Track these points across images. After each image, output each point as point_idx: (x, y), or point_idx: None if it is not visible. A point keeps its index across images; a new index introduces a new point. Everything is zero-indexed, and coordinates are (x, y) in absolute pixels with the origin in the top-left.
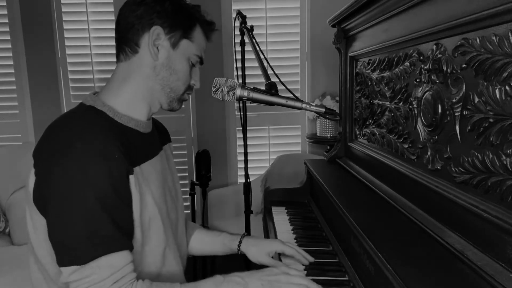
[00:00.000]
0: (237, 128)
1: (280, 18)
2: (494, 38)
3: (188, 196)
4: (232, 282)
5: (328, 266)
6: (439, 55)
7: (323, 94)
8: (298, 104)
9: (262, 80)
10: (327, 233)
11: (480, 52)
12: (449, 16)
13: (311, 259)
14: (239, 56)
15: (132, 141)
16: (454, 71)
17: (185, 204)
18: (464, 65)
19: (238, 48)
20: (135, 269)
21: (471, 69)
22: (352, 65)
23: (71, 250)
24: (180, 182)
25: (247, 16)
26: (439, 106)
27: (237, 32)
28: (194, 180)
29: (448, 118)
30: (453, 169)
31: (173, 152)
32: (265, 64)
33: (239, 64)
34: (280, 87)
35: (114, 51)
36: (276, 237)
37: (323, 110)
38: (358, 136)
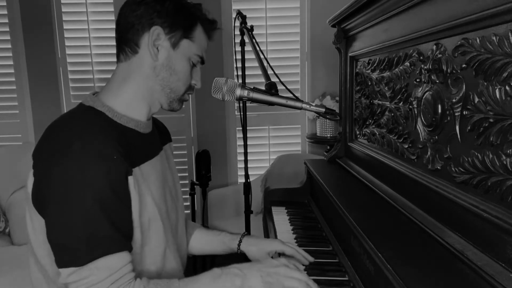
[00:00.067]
0: (237, 128)
1: (280, 18)
2: (494, 38)
3: (188, 196)
4: (230, 274)
5: (328, 266)
6: (439, 55)
7: (323, 94)
8: (298, 104)
9: (262, 80)
10: (327, 233)
11: (480, 52)
12: (449, 16)
13: (311, 259)
14: (239, 56)
15: (131, 142)
16: (454, 71)
17: (185, 204)
18: (464, 65)
19: (238, 48)
20: (135, 269)
21: (471, 69)
22: (352, 65)
23: (70, 251)
24: (180, 182)
25: (247, 16)
26: (439, 106)
27: (237, 32)
28: (194, 180)
29: (448, 118)
30: (453, 169)
31: (173, 152)
32: (265, 64)
33: (239, 64)
34: (280, 87)
35: (114, 51)
36: (276, 237)
37: (323, 110)
38: (358, 136)
